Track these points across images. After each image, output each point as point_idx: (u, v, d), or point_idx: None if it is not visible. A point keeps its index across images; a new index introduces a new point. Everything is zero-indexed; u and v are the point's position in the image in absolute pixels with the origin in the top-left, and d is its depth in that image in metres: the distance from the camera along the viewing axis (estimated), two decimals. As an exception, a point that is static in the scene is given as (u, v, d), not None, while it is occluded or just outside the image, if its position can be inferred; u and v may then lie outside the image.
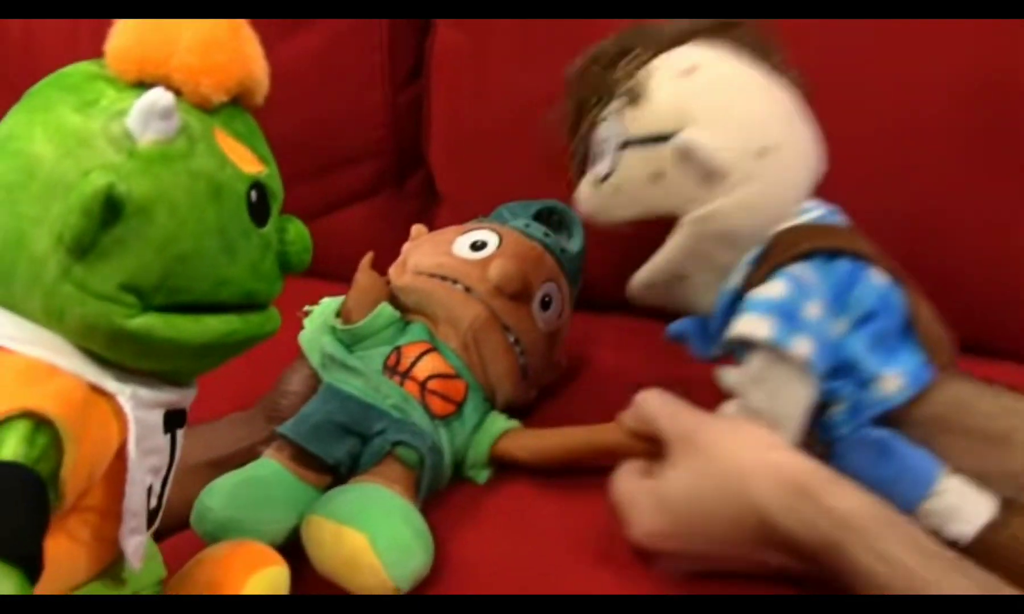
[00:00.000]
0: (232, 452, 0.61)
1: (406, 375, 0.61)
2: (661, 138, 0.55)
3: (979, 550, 0.49)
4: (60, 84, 0.41)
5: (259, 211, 0.42)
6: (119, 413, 0.39)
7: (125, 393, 0.40)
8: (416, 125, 0.94)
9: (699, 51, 0.58)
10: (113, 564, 0.43)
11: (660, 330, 0.80)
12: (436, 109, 0.91)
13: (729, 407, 0.55)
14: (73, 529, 0.40)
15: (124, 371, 0.40)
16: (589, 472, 0.60)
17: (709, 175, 0.54)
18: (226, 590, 0.47)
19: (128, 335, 0.39)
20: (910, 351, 0.55)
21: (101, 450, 0.39)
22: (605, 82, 0.59)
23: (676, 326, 0.62)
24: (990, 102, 0.71)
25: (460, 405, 0.62)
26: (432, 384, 0.61)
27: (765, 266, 0.54)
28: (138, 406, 0.40)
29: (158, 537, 0.47)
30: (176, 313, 0.40)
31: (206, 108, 0.41)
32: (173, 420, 0.43)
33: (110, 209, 0.37)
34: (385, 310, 0.64)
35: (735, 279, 0.56)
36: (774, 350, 0.52)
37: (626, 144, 0.57)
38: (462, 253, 0.67)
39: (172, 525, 0.54)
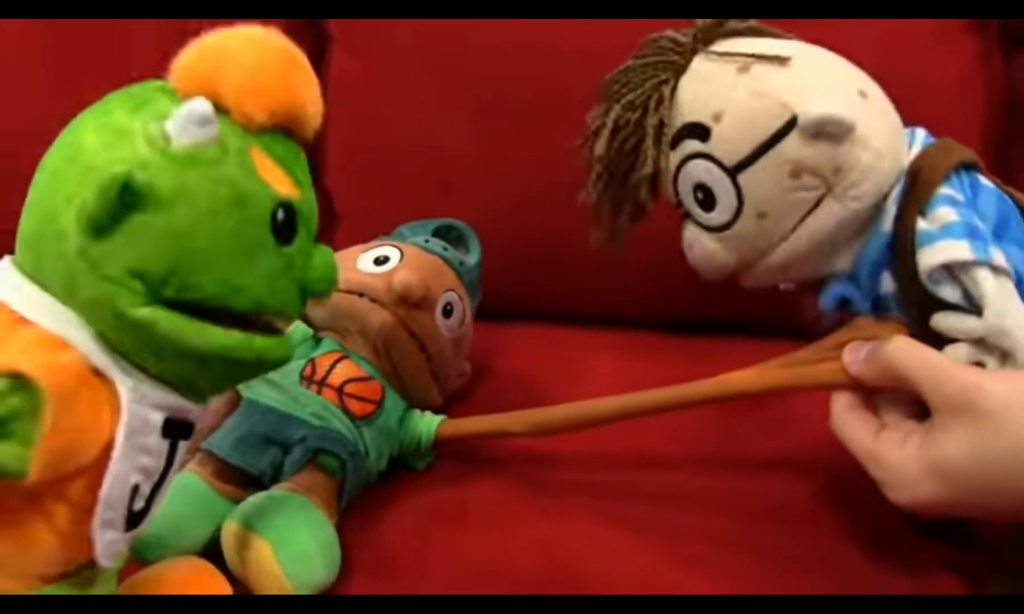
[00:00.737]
0: None
1: (323, 383, 0.64)
2: (776, 137, 0.52)
3: None
4: (127, 92, 0.43)
5: (284, 230, 0.44)
6: (115, 405, 0.41)
7: (127, 384, 0.41)
8: (313, 148, 0.96)
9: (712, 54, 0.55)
10: (84, 566, 0.43)
11: (563, 335, 0.86)
12: (332, 133, 0.93)
13: (959, 349, 0.51)
14: (53, 517, 0.41)
15: (132, 366, 0.42)
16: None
17: (843, 137, 0.51)
18: None
19: (130, 322, 0.40)
20: None
21: (85, 433, 0.40)
22: (653, 133, 0.56)
23: (833, 293, 0.57)
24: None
25: (380, 404, 0.65)
26: (349, 388, 0.64)
27: (918, 198, 0.52)
28: (136, 400, 0.41)
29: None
30: (183, 314, 0.41)
31: (249, 128, 0.43)
32: (176, 429, 0.44)
33: (128, 196, 0.39)
34: (299, 328, 0.67)
35: (885, 224, 0.54)
36: (982, 266, 0.50)
37: (736, 171, 0.54)
38: (366, 268, 0.70)
39: None
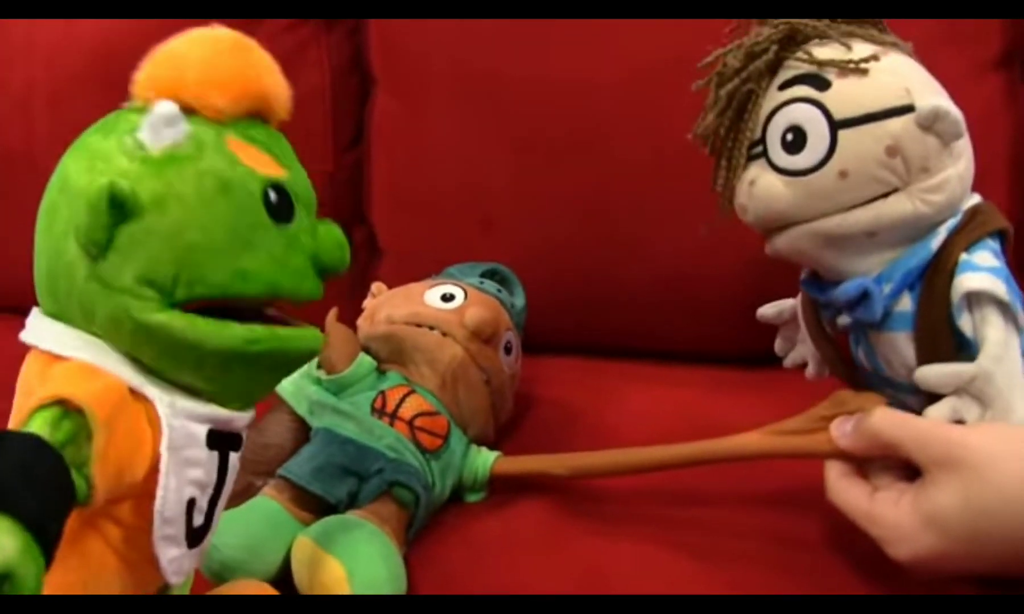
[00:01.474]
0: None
1: (394, 416, 0.66)
2: (890, 113, 0.54)
3: None
4: (101, 121, 0.45)
5: (280, 209, 0.44)
6: (156, 422, 0.41)
7: (163, 400, 0.41)
8: (358, 186, 1.00)
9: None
10: (163, 588, 0.44)
11: (600, 368, 0.88)
12: (376, 171, 0.97)
13: (941, 407, 0.54)
14: (111, 541, 0.42)
15: (166, 382, 0.42)
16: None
17: (949, 140, 0.54)
18: None
19: (149, 330, 0.41)
20: None
21: (133, 451, 0.40)
22: (776, 64, 0.58)
23: (856, 284, 0.58)
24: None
25: (446, 438, 0.67)
26: (419, 421, 0.66)
27: (970, 234, 0.55)
28: (176, 414, 0.42)
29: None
30: (200, 315, 0.41)
31: (220, 119, 0.44)
32: (223, 440, 0.44)
33: (116, 206, 0.40)
34: (365, 359, 0.69)
35: (934, 243, 0.56)
36: (1006, 312, 0.53)
37: (840, 125, 0.55)
38: (435, 303, 0.73)
39: None
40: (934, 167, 0.55)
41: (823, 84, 0.56)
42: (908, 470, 0.53)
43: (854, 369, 0.64)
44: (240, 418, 0.45)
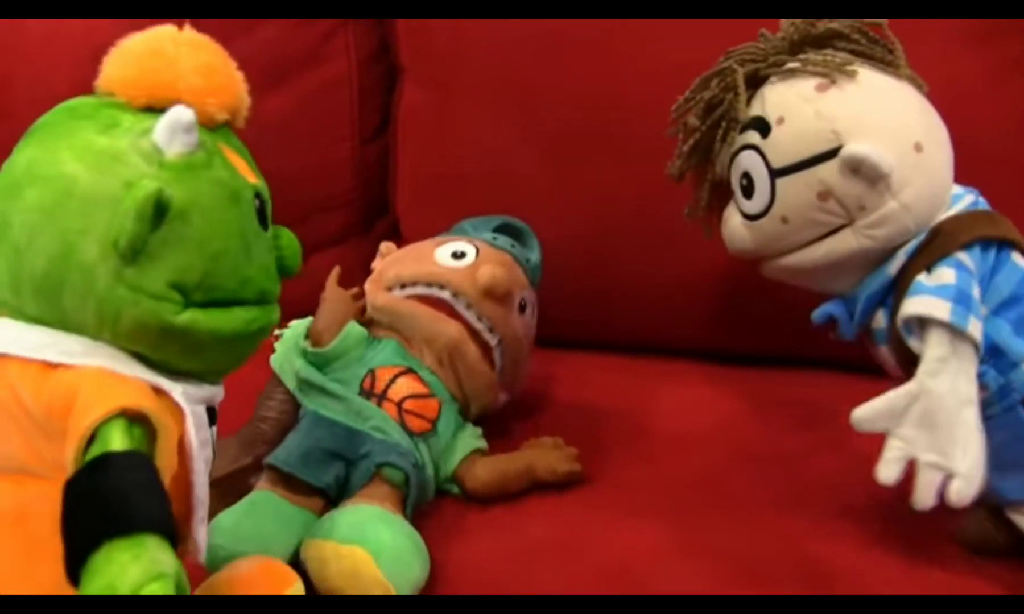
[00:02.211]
0: (222, 475, 0.63)
1: (383, 397, 0.65)
2: (818, 159, 0.56)
3: None
4: (71, 115, 0.44)
5: (262, 216, 0.46)
6: (174, 410, 0.42)
7: (177, 390, 0.43)
8: (382, 176, 0.99)
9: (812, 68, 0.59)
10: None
11: (624, 364, 0.87)
12: (402, 161, 0.96)
13: (902, 390, 0.54)
14: None
15: (170, 373, 0.43)
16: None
17: (876, 181, 0.55)
18: None
19: (176, 331, 0.42)
20: None
21: (173, 444, 0.42)
22: (733, 112, 0.60)
23: (823, 310, 0.61)
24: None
25: (434, 422, 0.66)
26: (408, 404, 0.65)
27: (929, 255, 0.56)
28: (189, 401, 0.43)
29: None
30: (210, 308, 0.43)
31: (211, 126, 0.45)
32: (212, 415, 0.46)
33: (158, 213, 0.41)
34: (353, 329, 0.67)
35: (891, 268, 0.57)
36: (952, 331, 0.53)
37: (777, 174, 0.58)
38: (446, 262, 0.70)
39: None
40: (871, 205, 0.56)
41: (766, 130, 0.58)
42: None
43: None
44: (220, 393, 0.47)
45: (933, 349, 0.54)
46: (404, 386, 0.66)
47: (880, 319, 0.59)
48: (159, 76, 0.44)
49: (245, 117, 0.47)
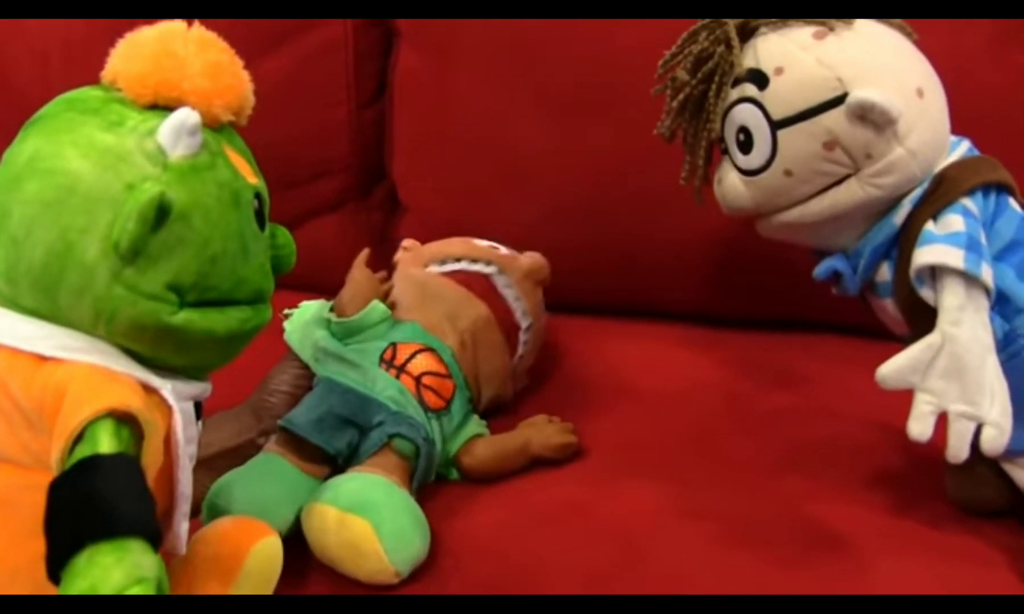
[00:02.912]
0: (224, 449, 0.64)
1: (401, 369, 0.66)
2: (822, 107, 0.55)
3: None
4: (76, 108, 0.44)
5: (260, 217, 0.47)
6: (162, 406, 0.43)
7: (167, 388, 0.43)
8: (379, 141, 0.98)
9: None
10: None
11: (626, 328, 0.87)
12: (398, 126, 0.96)
13: (923, 343, 0.53)
14: None
15: (160, 369, 0.44)
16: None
17: (884, 127, 0.54)
18: (231, 563, 0.50)
19: (172, 330, 0.43)
20: None
21: (159, 443, 0.42)
22: (726, 64, 0.58)
23: (827, 265, 0.60)
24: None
25: (448, 403, 0.67)
26: (426, 379, 0.66)
27: (935, 202, 0.55)
28: (178, 398, 0.44)
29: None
30: (205, 307, 0.44)
31: (215, 127, 0.45)
32: (199, 410, 0.47)
33: (159, 216, 0.41)
34: (378, 306, 0.69)
35: (897, 218, 0.57)
36: (966, 278, 0.53)
37: (779, 125, 0.56)
38: (487, 245, 0.75)
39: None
40: (877, 153, 0.55)
41: (763, 81, 0.57)
42: None
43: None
44: (208, 389, 0.48)
45: (951, 298, 0.53)
46: (424, 362, 0.67)
47: (885, 272, 0.58)
48: (166, 75, 0.44)
49: (248, 115, 0.48)
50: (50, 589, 0.38)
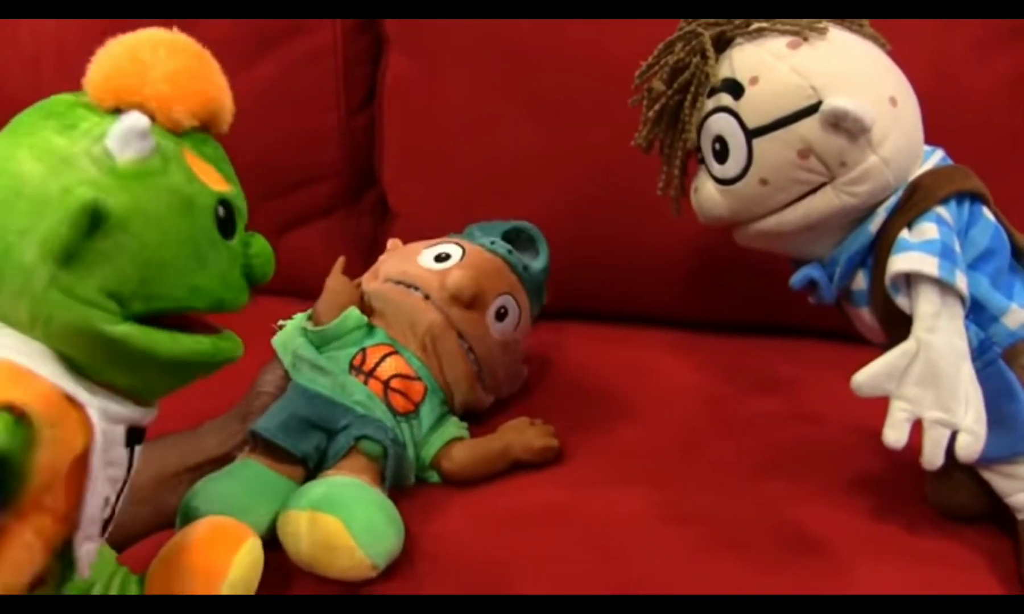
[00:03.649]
0: (210, 458, 0.64)
1: (370, 374, 0.66)
2: (796, 116, 0.55)
3: None
4: (43, 112, 0.44)
5: (226, 225, 0.45)
6: (86, 423, 0.41)
7: (94, 405, 0.42)
8: (369, 147, 0.99)
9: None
10: (50, 570, 0.44)
11: (618, 334, 0.88)
12: (388, 132, 0.96)
13: (899, 350, 0.53)
14: (35, 525, 0.41)
15: (94, 384, 0.43)
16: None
17: (858, 135, 0.54)
18: (214, 574, 0.49)
19: (108, 341, 0.41)
20: (1022, 284, 0.57)
21: (65, 455, 0.41)
22: (701, 75, 0.59)
23: (803, 274, 0.60)
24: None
25: (417, 405, 0.67)
26: (394, 383, 0.66)
27: (909, 211, 0.55)
28: (104, 419, 0.42)
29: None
30: (153, 326, 0.42)
31: (177, 132, 0.44)
32: (133, 436, 0.45)
33: (93, 221, 0.40)
34: (353, 313, 0.68)
35: (872, 226, 0.57)
36: (941, 286, 0.53)
37: (754, 134, 0.57)
38: (426, 264, 0.72)
39: (158, 525, 0.59)
40: (851, 161, 0.55)
41: (738, 91, 0.57)
42: None
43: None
44: (151, 413, 0.46)
45: (925, 305, 0.53)
46: (392, 365, 0.67)
47: (860, 280, 0.59)
48: (127, 80, 0.43)
49: (228, 122, 0.47)
50: None
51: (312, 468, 0.63)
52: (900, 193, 0.57)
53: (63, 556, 0.43)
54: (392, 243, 0.78)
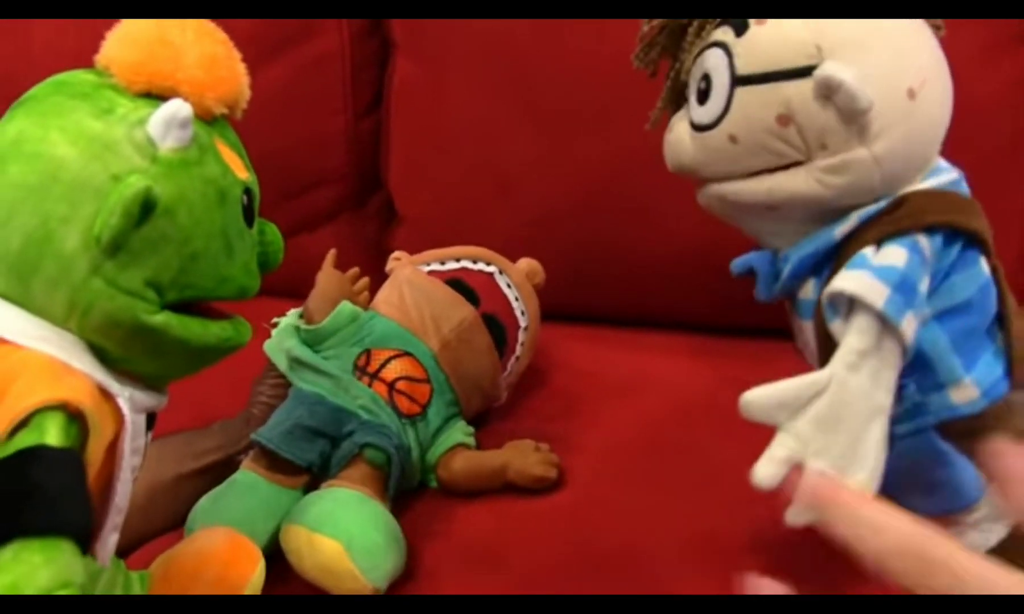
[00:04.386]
0: (217, 460, 0.64)
1: (375, 376, 0.65)
2: (789, 74, 0.47)
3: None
4: (67, 92, 0.42)
5: (249, 214, 0.45)
6: (116, 413, 0.41)
7: (124, 395, 0.42)
8: (376, 151, 0.99)
9: None
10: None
11: (615, 337, 0.88)
12: (394, 136, 0.96)
13: (807, 379, 0.45)
14: None
15: (121, 375, 0.42)
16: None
17: (850, 118, 0.46)
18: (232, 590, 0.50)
19: (147, 330, 0.41)
20: (991, 356, 0.49)
21: (101, 447, 0.41)
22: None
23: (744, 260, 0.54)
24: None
25: (424, 408, 0.66)
26: (400, 385, 0.65)
27: (884, 226, 0.47)
28: (131, 408, 0.42)
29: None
30: (185, 315, 0.43)
31: (207, 119, 0.44)
32: (151, 422, 0.46)
33: (144, 210, 0.40)
34: (345, 308, 0.68)
35: (838, 230, 0.48)
36: (883, 323, 0.44)
37: (739, 82, 0.49)
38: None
39: (166, 526, 0.60)
40: (834, 145, 0.47)
41: (742, 27, 0.49)
42: None
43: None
44: (165, 399, 0.46)
45: (856, 338, 0.45)
46: (398, 367, 0.66)
47: (809, 290, 0.50)
48: (160, 65, 0.42)
49: (243, 109, 0.46)
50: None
51: (317, 473, 0.62)
52: (883, 204, 0.48)
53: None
54: (398, 254, 0.78)
